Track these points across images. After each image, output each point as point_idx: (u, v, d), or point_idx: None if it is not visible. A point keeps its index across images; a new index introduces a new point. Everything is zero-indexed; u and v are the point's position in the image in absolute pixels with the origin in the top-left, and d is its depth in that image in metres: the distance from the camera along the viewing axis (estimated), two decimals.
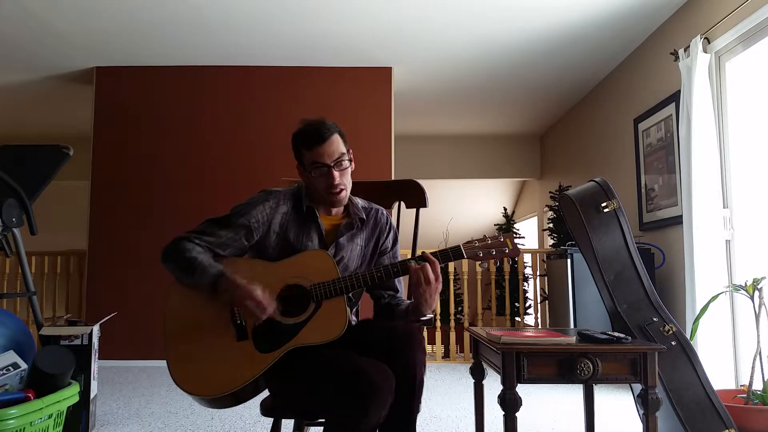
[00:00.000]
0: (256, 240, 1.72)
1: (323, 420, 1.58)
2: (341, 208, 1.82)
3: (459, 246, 1.67)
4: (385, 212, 1.90)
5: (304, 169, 1.75)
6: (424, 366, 1.55)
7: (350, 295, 1.66)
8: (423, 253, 1.65)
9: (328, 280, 1.62)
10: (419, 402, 1.56)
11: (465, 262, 5.15)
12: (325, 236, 1.77)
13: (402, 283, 1.88)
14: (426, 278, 1.59)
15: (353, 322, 1.85)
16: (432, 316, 1.80)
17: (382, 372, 1.46)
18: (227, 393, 1.54)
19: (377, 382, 1.42)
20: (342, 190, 1.72)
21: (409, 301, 1.76)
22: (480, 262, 1.72)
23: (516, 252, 1.69)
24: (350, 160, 1.74)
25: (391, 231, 1.88)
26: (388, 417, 1.52)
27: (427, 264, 1.61)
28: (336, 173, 1.69)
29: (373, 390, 1.41)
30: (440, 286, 1.63)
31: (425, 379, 1.58)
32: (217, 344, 1.60)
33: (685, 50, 3.55)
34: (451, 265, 5.98)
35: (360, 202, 1.85)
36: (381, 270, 1.64)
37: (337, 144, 1.70)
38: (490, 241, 1.68)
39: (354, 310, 1.88)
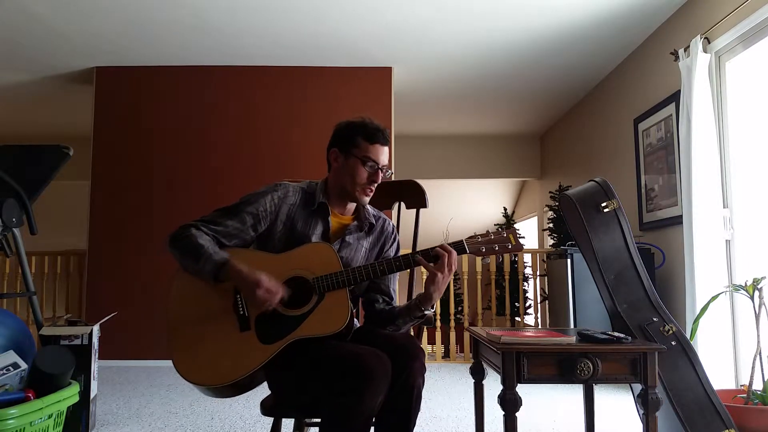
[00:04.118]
0: (263, 230, 1.74)
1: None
2: (352, 209, 1.85)
3: (462, 241, 1.68)
4: (392, 223, 1.94)
5: (347, 155, 1.76)
6: (423, 378, 1.56)
7: (353, 287, 1.68)
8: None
9: (331, 272, 1.63)
10: (416, 413, 1.57)
11: (465, 262, 5.16)
12: (332, 233, 1.79)
13: (397, 292, 1.90)
14: (449, 264, 1.64)
15: (355, 325, 1.85)
16: (431, 313, 1.81)
17: (378, 358, 1.47)
18: (229, 383, 1.56)
19: (372, 368, 1.44)
20: (372, 191, 1.78)
21: (405, 303, 1.78)
22: (482, 258, 1.72)
23: (519, 248, 1.70)
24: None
25: (396, 241, 1.92)
26: (385, 426, 1.53)
27: (453, 253, 1.65)
28: (379, 176, 1.76)
29: (368, 376, 1.43)
30: (451, 276, 1.68)
31: (424, 386, 1.59)
32: (220, 335, 1.61)
33: (685, 50, 3.55)
34: None
35: (371, 209, 1.89)
36: (383, 263, 1.66)
37: (387, 155, 1.80)
38: (492, 237, 1.69)
39: (356, 311, 1.88)
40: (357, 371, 1.44)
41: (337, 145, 1.79)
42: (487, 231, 1.73)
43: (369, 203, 1.85)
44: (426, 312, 1.73)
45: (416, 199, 2.10)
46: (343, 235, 1.79)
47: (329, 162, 1.83)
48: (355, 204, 1.84)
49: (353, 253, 1.80)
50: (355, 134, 1.76)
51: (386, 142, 1.78)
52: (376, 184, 1.77)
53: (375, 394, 1.44)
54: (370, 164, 1.74)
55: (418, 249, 1.75)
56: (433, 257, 1.66)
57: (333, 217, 1.80)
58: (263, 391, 1.70)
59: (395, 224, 1.97)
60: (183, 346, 1.61)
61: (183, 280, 1.68)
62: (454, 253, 1.65)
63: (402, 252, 1.92)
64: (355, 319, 1.88)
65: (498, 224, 8.76)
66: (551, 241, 5.81)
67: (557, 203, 5.49)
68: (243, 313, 1.62)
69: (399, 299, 1.91)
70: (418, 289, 1.87)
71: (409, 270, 1.73)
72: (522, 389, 1.68)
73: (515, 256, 6.22)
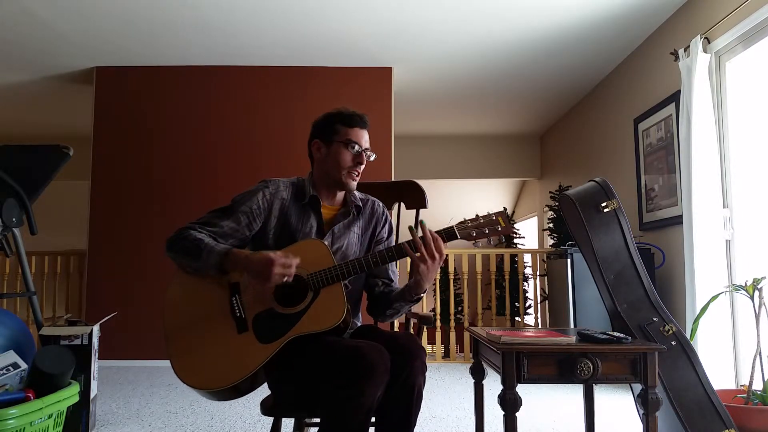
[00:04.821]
0: (258, 227, 1.75)
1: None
2: (341, 199, 1.86)
3: (452, 227, 1.68)
4: (380, 204, 1.94)
5: (329, 143, 1.79)
6: (424, 377, 1.56)
7: (347, 282, 1.68)
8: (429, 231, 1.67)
9: (324, 268, 1.64)
10: (417, 412, 1.57)
11: (465, 262, 5.16)
12: (324, 225, 1.80)
13: (397, 274, 1.90)
14: (439, 251, 1.63)
15: (357, 324, 1.85)
16: (431, 313, 1.81)
17: (378, 352, 1.48)
18: (230, 385, 1.56)
19: (373, 361, 1.45)
20: (359, 174, 1.81)
21: (403, 286, 1.79)
22: (474, 242, 1.72)
23: (508, 230, 1.70)
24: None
25: (387, 222, 1.93)
26: (386, 425, 1.53)
27: (438, 239, 1.65)
28: (363, 158, 1.79)
29: (368, 369, 1.44)
30: (441, 262, 1.68)
31: (425, 385, 1.59)
32: (218, 337, 1.61)
33: (685, 50, 3.55)
34: (451, 265, 5.98)
35: (357, 193, 1.91)
36: (376, 255, 1.66)
37: (368, 138, 1.82)
38: (482, 221, 1.70)
39: (356, 311, 1.88)
40: (357, 364, 1.45)
41: (317, 136, 1.82)
42: (477, 215, 1.73)
43: (357, 189, 1.87)
44: (420, 297, 1.74)
45: (416, 199, 2.11)
46: (332, 226, 1.81)
47: (311, 155, 1.85)
48: (343, 192, 1.85)
49: (346, 242, 1.81)
50: (334, 122, 1.79)
51: (365, 125, 1.81)
52: (362, 167, 1.79)
53: (375, 386, 1.45)
54: (353, 146, 1.77)
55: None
56: (417, 246, 1.65)
57: (324, 209, 1.82)
58: (263, 391, 1.70)
59: (390, 216, 1.98)
60: (182, 351, 1.61)
61: (178, 285, 1.69)
62: (438, 240, 1.64)
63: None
64: (357, 320, 1.88)
65: None
66: (551, 241, 5.81)
67: (557, 203, 5.49)
68: (240, 315, 1.62)
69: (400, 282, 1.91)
70: None
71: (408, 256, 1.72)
72: (522, 389, 1.68)
73: (515, 255, 6.22)
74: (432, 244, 1.63)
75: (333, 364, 1.50)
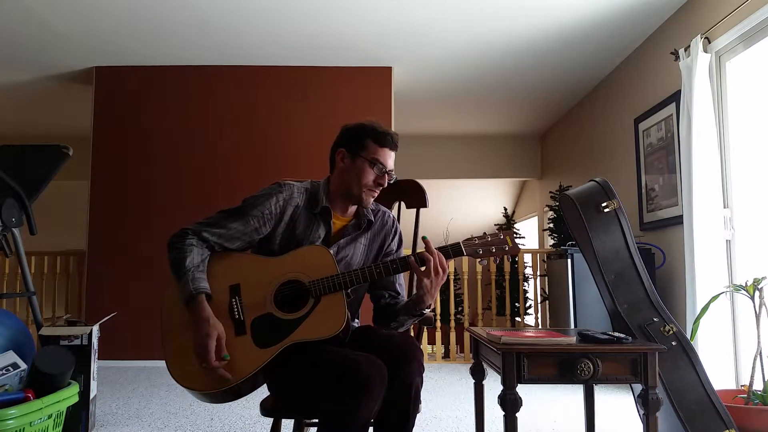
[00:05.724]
0: (267, 232, 1.72)
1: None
2: (354, 210, 1.84)
3: (459, 243, 1.68)
4: (391, 215, 1.92)
5: (355, 156, 1.76)
6: (422, 378, 1.56)
7: (348, 291, 1.67)
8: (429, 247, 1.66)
9: (327, 275, 1.62)
10: (415, 413, 1.56)
11: (465, 262, 5.16)
12: (332, 236, 1.78)
13: (404, 286, 1.88)
14: (442, 267, 1.63)
15: (355, 325, 1.85)
16: (432, 313, 1.81)
17: (375, 365, 1.47)
18: (225, 388, 1.54)
19: (370, 376, 1.43)
20: (376, 195, 1.78)
21: (407, 299, 1.77)
22: (479, 260, 1.71)
23: (516, 250, 1.69)
24: None
25: (397, 234, 1.90)
26: (384, 427, 1.52)
27: (438, 257, 1.64)
28: (386, 179, 1.76)
29: (365, 383, 1.43)
30: (445, 278, 1.66)
31: (423, 386, 1.58)
32: None
33: (685, 50, 3.54)
34: (451, 265, 5.96)
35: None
36: (380, 266, 1.65)
37: (394, 160, 1.80)
38: (489, 239, 1.69)
39: (354, 316, 1.87)
40: (353, 380, 1.43)
41: (344, 146, 1.78)
42: (484, 233, 1.72)
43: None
44: (423, 312, 1.73)
45: (416, 198, 2.10)
46: (340, 238, 1.78)
47: (333, 162, 1.81)
48: (357, 205, 1.82)
49: (351, 252, 1.79)
50: (365, 136, 1.75)
51: (395, 147, 1.78)
52: (381, 188, 1.77)
53: (371, 402, 1.43)
54: (378, 167, 1.74)
55: (417, 250, 1.74)
56: (421, 261, 1.64)
57: (335, 220, 1.79)
58: (263, 391, 1.70)
59: (401, 232, 1.96)
60: (177, 351, 1.59)
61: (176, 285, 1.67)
62: (440, 257, 1.63)
63: (404, 250, 1.92)
64: (356, 321, 1.88)
65: (498, 224, 8.75)
66: (551, 241, 5.81)
67: (557, 203, 5.49)
68: (238, 317, 1.60)
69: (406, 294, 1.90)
70: None
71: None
72: (522, 389, 1.68)
73: (515, 256, 6.22)
74: (436, 260, 1.62)
75: (329, 376, 1.49)
